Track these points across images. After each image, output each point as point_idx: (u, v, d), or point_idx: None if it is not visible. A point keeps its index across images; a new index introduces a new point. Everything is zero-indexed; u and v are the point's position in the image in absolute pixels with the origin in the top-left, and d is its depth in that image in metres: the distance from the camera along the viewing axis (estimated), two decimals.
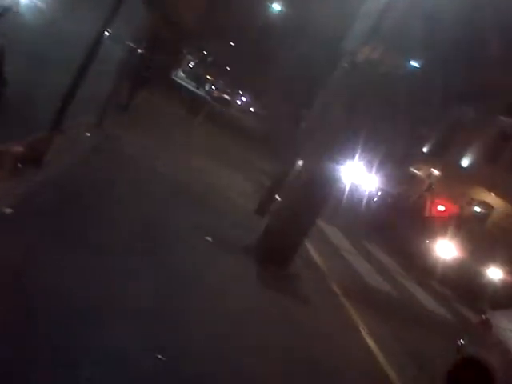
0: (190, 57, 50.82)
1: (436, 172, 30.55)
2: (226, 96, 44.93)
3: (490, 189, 26.61)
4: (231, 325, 4.11)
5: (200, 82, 48.60)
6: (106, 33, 5.32)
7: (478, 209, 27.79)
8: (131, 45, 8.96)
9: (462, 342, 5.00)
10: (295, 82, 29.96)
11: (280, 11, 31.77)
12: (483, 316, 5.21)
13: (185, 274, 4.62)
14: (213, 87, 49.54)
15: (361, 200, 15.43)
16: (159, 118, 14.65)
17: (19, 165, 4.39)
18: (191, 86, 42.90)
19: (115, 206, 5.34)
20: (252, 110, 52.74)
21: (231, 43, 40.18)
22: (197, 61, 54.24)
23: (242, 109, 52.84)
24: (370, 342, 5.45)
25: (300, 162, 8.20)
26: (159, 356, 3.01)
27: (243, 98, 61.84)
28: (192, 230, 5.89)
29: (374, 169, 17.02)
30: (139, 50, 10.21)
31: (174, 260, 4.75)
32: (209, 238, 5.81)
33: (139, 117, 12.10)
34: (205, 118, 20.94)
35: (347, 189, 12.03)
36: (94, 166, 6.32)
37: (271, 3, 31.22)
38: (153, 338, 3.21)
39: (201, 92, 44.12)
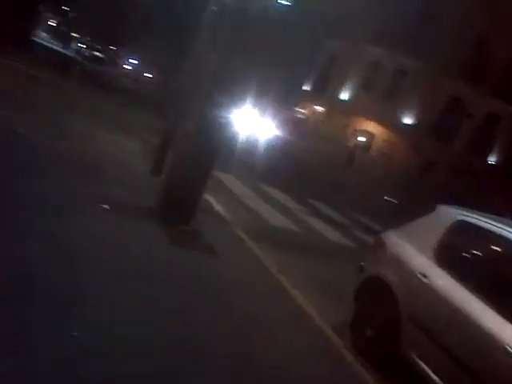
0: (49, 14, 46.48)
1: (319, 108, 31.71)
2: (99, 53, 42.08)
3: (370, 118, 28.35)
4: (140, 283, 4.04)
5: (66, 41, 44.88)
6: None
7: (361, 138, 29.57)
8: None
9: (363, 263, 5.37)
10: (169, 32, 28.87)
11: None
12: (377, 236, 5.62)
13: (82, 243, 4.38)
14: (80, 45, 45.83)
15: (255, 145, 15.63)
16: (29, 86, 13.36)
17: None
18: (57, 47, 39.55)
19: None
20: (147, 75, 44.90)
21: None
22: (58, 18, 49.83)
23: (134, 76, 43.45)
24: (282, 278, 5.67)
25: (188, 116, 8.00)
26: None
27: (133, 61, 48.48)
28: (87, 200, 5.56)
29: (263, 113, 17.23)
30: None
31: (70, 231, 4.48)
32: (106, 206, 5.53)
33: None
34: (80, 80, 19.53)
35: (241, 136, 12.08)
36: None
37: None
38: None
39: (69, 52, 40.91)
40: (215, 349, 3.57)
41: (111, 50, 46.56)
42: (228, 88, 6.10)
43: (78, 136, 9.11)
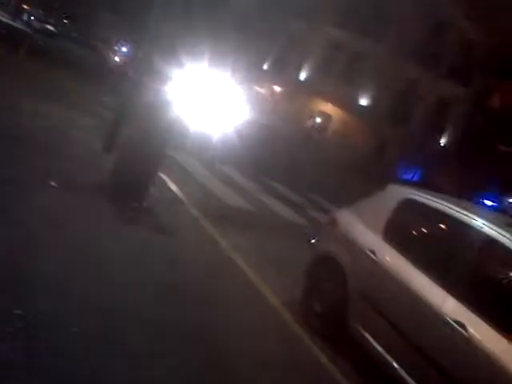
0: None
1: (278, 88, 31.70)
2: (50, 27, 40.34)
3: (327, 99, 28.58)
4: (76, 257, 3.97)
5: (15, 13, 42.85)
6: None
7: (318, 119, 29.81)
8: None
9: (313, 240, 5.44)
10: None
11: None
12: (330, 215, 5.71)
13: (24, 217, 4.25)
14: (32, 17, 43.83)
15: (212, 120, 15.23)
16: None
17: None
18: (6, 19, 37.66)
19: None
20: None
21: None
22: None
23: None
24: (234, 255, 5.69)
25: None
26: None
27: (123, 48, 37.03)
28: (34, 176, 5.38)
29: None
30: None
31: (13, 206, 4.33)
32: (53, 183, 5.37)
33: None
34: (29, 54, 18.65)
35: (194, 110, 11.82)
36: None
37: None
38: None
39: (19, 25, 39.03)
40: (164, 331, 3.54)
41: (65, 23, 44.74)
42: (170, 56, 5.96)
43: (27, 111, 8.75)
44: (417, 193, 4.67)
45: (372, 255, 4.45)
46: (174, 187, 7.63)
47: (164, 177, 7.67)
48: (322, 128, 28.80)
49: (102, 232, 4.80)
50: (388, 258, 4.36)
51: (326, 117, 28.93)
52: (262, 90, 32.25)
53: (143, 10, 11.90)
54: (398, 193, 4.88)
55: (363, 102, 27.99)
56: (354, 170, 22.16)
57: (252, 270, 5.45)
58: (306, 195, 12.98)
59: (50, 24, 40.37)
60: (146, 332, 3.39)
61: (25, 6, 46.52)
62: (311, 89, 28.88)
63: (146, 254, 4.76)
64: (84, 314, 3.27)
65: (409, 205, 4.63)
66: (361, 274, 4.53)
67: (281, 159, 15.54)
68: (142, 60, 7.70)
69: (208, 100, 13.56)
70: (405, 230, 4.69)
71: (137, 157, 5.74)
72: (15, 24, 38.40)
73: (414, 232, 4.73)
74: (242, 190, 10.30)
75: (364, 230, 4.79)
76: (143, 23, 7.91)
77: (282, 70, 31.13)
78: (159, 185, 6.99)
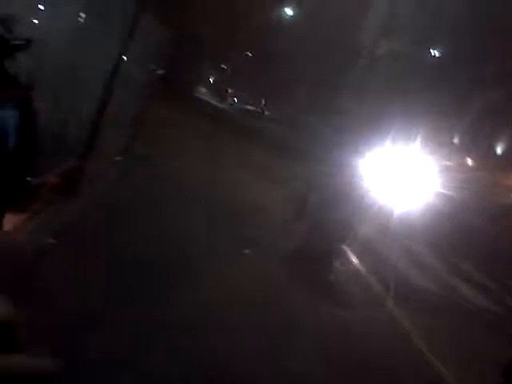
0: (209, 72, 51.40)
1: (470, 161, 29.79)
2: (249, 106, 45.60)
3: None
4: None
5: (222, 95, 49.41)
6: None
7: None
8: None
9: None
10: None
11: (291, 16, 31.96)
12: None
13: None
14: (235, 99, 50.14)
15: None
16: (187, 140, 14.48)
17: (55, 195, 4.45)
18: (214, 101, 43.63)
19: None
20: None
21: (248, 53, 40.41)
22: (216, 75, 54.85)
23: None
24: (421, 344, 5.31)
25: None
26: None
27: None
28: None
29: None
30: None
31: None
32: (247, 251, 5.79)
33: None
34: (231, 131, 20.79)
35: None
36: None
37: (283, 7, 31.49)
38: None
39: (223, 105, 44.80)
40: None
41: (264, 103, 49.77)
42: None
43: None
44: None
45: None
46: (354, 259, 7.55)
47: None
48: None
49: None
50: None
51: None
52: (451, 163, 30.64)
53: None
54: None
55: None
56: None
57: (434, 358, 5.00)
58: (502, 281, 11.60)
59: (249, 104, 45.86)
60: None
61: (230, 90, 53.24)
62: (509, 161, 26.47)
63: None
64: None
65: None
66: None
67: (472, 237, 14.26)
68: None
69: (399, 172, 13.07)
70: None
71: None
72: (220, 105, 44.18)
73: None
74: (431, 269, 9.68)
75: None
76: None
77: (474, 142, 29.30)
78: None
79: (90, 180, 5.22)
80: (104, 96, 5.11)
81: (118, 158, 7.18)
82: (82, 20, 4.45)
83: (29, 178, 2.29)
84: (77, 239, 4.11)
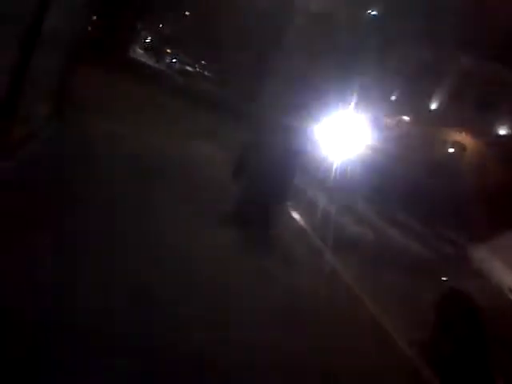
0: (144, 32, 49.55)
1: (405, 118, 30.75)
2: (188, 67, 44.28)
3: (461, 129, 26.99)
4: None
5: (159, 56, 47.82)
6: None
7: (451, 150, 28.21)
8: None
9: (444, 278, 5.09)
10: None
11: None
12: (462, 250, 5.33)
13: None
14: (173, 60, 48.48)
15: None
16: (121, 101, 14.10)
17: None
18: (150, 62, 42.19)
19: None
20: None
21: (186, 13, 39.17)
22: (152, 36, 53.07)
23: None
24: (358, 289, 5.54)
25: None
26: None
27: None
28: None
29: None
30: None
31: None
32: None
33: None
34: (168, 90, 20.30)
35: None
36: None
37: None
38: None
39: (160, 66, 43.44)
40: None
41: (201, 64, 48.54)
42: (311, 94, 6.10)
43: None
44: None
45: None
46: (296, 215, 7.71)
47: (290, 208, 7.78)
48: (455, 159, 27.17)
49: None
50: None
51: (460, 147, 27.27)
52: (389, 120, 31.50)
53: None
54: None
55: (501, 131, 25.96)
56: (488, 204, 20.40)
57: (375, 303, 5.26)
58: (433, 227, 12.27)
59: (187, 65, 44.32)
60: None
61: (168, 51, 51.44)
62: (442, 117, 27.56)
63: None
64: None
65: None
66: (499, 315, 4.12)
67: (408, 189, 14.91)
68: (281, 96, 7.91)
69: (335, 130, 13.40)
70: None
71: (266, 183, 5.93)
72: (157, 65, 42.76)
73: None
74: (366, 219, 10.07)
75: (502, 268, 4.39)
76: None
77: (410, 98, 30.17)
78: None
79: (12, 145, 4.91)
80: (23, 55, 4.74)
81: (44, 123, 6.81)
82: None
83: None
84: None
